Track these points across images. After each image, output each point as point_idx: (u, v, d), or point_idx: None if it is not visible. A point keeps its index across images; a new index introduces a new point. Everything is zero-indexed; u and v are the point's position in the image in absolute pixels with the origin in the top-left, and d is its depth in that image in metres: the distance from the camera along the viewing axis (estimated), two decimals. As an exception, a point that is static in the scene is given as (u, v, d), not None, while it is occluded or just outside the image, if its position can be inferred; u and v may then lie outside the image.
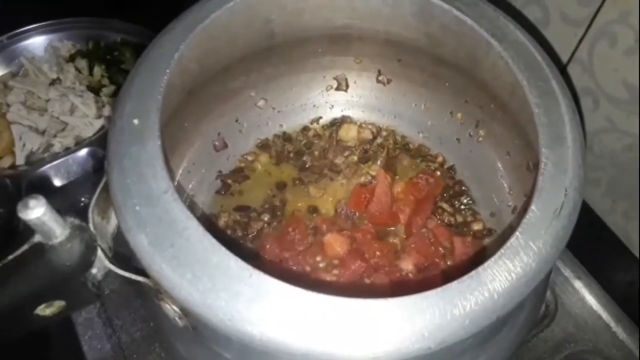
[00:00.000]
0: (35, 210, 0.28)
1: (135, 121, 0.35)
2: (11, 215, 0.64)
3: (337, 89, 0.58)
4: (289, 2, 0.45)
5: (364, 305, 0.29)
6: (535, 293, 0.40)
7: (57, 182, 0.62)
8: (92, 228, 0.33)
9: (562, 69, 0.55)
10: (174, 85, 0.39)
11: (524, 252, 0.30)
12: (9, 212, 0.65)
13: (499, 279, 0.29)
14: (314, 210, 0.53)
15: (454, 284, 0.29)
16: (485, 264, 0.30)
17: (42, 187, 0.63)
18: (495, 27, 0.40)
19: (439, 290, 0.29)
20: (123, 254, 0.36)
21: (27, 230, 0.31)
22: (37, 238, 0.30)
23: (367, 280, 0.47)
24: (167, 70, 0.37)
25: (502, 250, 0.30)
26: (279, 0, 0.44)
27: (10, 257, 0.30)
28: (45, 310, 0.32)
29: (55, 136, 0.67)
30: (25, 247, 0.30)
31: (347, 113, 0.59)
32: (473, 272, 0.29)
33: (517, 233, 0.31)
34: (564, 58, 0.54)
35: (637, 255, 0.55)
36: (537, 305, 0.41)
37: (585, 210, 0.57)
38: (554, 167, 0.34)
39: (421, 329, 0.28)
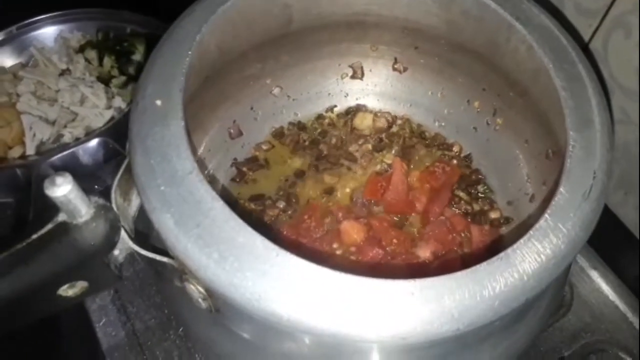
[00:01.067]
0: (62, 188, 0.28)
1: (158, 102, 0.34)
2: (21, 204, 0.64)
3: (353, 77, 0.58)
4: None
5: (393, 286, 0.28)
6: (558, 280, 0.40)
7: (68, 172, 0.63)
8: (115, 208, 0.33)
9: (586, 44, 0.54)
10: (194, 68, 0.38)
11: (554, 234, 0.30)
12: (19, 201, 0.65)
13: (529, 260, 0.29)
14: (329, 191, 0.53)
15: (483, 265, 0.29)
16: (515, 246, 0.29)
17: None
18: (519, 11, 0.39)
19: (468, 271, 0.29)
20: (144, 236, 0.35)
21: (51, 209, 0.30)
22: (61, 217, 0.30)
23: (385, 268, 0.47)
24: (189, 52, 0.36)
25: (531, 232, 0.30)
26: (297, -16, 0.44)
27: (35, 235, 0.30)
28: (68, 290, 0.32)
29: (65, 126, 0.67)
30: (49, 225, 0.30)
31: (362, 102, 0.59)
32: (502, 254, 0.29)
33: (546, 215, 0.30)
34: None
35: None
36: (559, 292, 0.41)
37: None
38: (582, 150, 0.33)
39: (451, 309, 0.28)
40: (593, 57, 0.52)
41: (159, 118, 0.33)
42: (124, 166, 0.34)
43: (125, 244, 0.33)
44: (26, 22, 0.74)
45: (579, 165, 0.33)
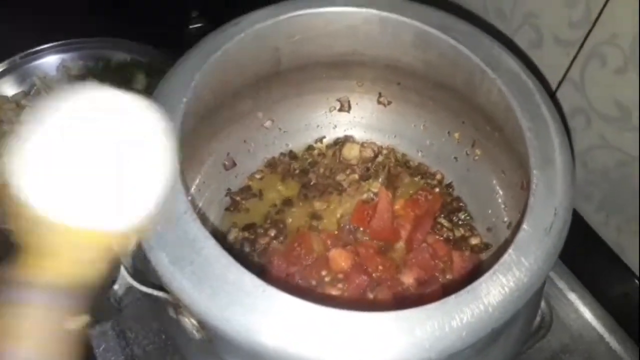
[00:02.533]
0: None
1: (155, 146, 0.37)
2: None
3: (340, 110, 0.61)
4: (295, 31, 0.48)
5: (369, 318, 0.31)
6: (529, 306, 0.42)
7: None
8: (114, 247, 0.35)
9: (554, 91, 0.57)
10: (189, 112, 0.41)
11: (517, 268, 0.33)
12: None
13: (493, 293, 0.32)
14: (318, 218, 0.55)
15: (452, 298, 0.31)
16: (481, 279, 0.32)
17: None
18: (490, 56, 0.42)
19: (437, 303, 0.31)
20: (141, 273, 0.38)
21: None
22: (65, 257, 0.33)
23: (370, 294, 0.50)
24: (184, 99, 0.39)
25: (496, 266, 0.33)
26: (285, 30, 0.47)
27: (41, 274, 0.33)
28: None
29: None
30: (55, 265, 0.32)
31: (349, 133, 0.62)
32: (469, 287, 0.32)
33: (510, 250, 0.33)
34: (557, 77, 0.56)
35: (630, 266, 0.57)
36: (531, 317, 0.44)
37: (581, 224, 0.60)
38: (544, 187, 0.36)
39: (422, 340, 0.30)
40: (559, 103, 0.55)
41: (155, 162, 0.36)
42: (123, 206, 0.37)
43: (124, 279, 0.36)
44: (29, 51, 0.77)
45: (541, 202, 0.35)
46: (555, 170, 0.37)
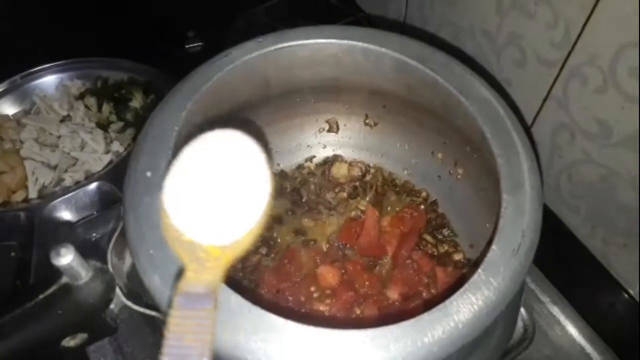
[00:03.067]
0: (66, 257, 0.33)
1: (148, 174, 0.40)
2: (24, 247, 0.68)
3: (329, 130, 0.64)
4: (282, 59, 0.51)
5: (347, 335, 0.33)
6: (506, 320, 0.45)
7: (68, 215, 0.65)
8: (110, 269, 0.38)
9: (539, 108, 0.59)
10: (181, 137, 0.44)
11: (485, 287, 0.35)
12: (22, 243, 0.69)
13: (463, 311, 0.34)
14: (307, 236, 0.57)
15: (425, 316, 0.34)
16: (452, 298, 0.34)
17: (54, 219, 0.66)
18: (463, 85, 0.45)
19: (411, 321, 0.34)
20: (135, 293, 0.40)
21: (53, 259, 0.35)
22: (64, 279, 0.35)
23: (357, 309, 0.52)
24: (176, 128, 0.42)
25: (466, 286, 0.35)
26: (273, 59, 0.50)
27: (41, 296, 0.35)
28: (69, 342, 0.37)
29: (66, 171, 0.70)
30: (54, 287, 0.35)
31: (338, 152, 0.65)
32: (441, 305, 0.34)
33: (479, 270, 0.36)
34: (542, 95, 0.59)
35: (616, 277, 0.59)
36: (507, 330, 0.46)
37: (568, 235, 0.62)
38: (513, 210, 0.39)
39: (396, 355, 0.33)
40: (533, 138, 0.57)
41: (148, 188, 0.39)
42: (118, 230, 0.39)
43: (119, 299, 0.38)
44: (29, 71, 0.79)
45: (510, 225, 0.38)
46: (525, 194, 0.39)
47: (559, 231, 0.63)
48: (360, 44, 0.47)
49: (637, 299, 0.58)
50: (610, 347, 0.59)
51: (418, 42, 0.48)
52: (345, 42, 0.48)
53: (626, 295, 0.58)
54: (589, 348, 0.58)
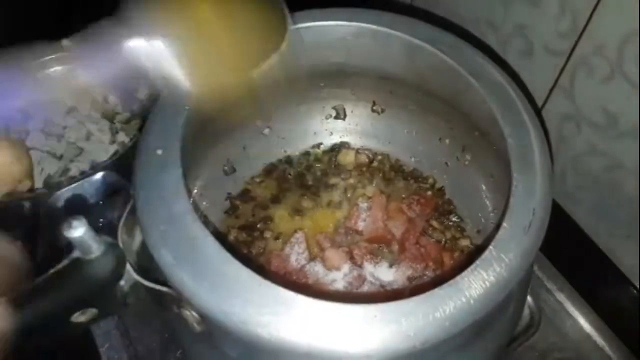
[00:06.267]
0: (78, 230, 0.33)
1: (159, 151, 0.40)
2: (28, 235, 0.68)
3: (336, 117, 0.64)
4: (290, 45, 0.50)
5: (358, 310, 0.33)
6: (515, 303, 0.45)
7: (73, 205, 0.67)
8: (121, 245, 0.38)
9: (545, 98, 0.59)
10: (191, 119, 0.44)
11: (497, 264, 0.35)
12: (26, 234, 0.69)
13: (475, 286, 0.34)
14: (315, 222, 0.57)
15: (436, 291, 0.34)
16: (463, 274, 0.34)
17: (59, 209, 0.67)
18: (473, 67, 0.45)
19: (422, 296, 0.34)
20: (146, 269, 0.40)
21: (60, 241, 0.35)
22: (75, 254, 0.35)
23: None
24: (186, 107, 0.42)
25: (477, 262, 0.35)
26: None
27: (52, 270, 0.35)
28: (79, 317, 0.37)
29: (72, 161, 0.70)
30: (65, 261, 0.35)
31: (345, 139, 0.65)
32: (452, 281, 0.34)
33: (490, 247, 0.35)
34: (549, 85, 0.58)
35: (621, 268, 0.59)
36: (516, 314, 0.46)
37: (573, 227, 0.62)
38: (524, 189, 0.38)
39: (407, 329, 0.32)
40: (544, 122, 0.57)
41: (159, 166, 0.39)
42: (128, 207, 0.39)
43: (130, 275, 0.38)
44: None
45: (520, 203, 0.38)
46: (535, 173, 0.39)
47: (563, 222, 0.63)
48: (369, 25, 0.47)
49: (640, 289, 0.58)
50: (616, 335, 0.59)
51: (427, 24, 0.48)
52: (354, 24, 0.48)
53: (630, 287, 0.58)
54: (595, 335, 0.58)
